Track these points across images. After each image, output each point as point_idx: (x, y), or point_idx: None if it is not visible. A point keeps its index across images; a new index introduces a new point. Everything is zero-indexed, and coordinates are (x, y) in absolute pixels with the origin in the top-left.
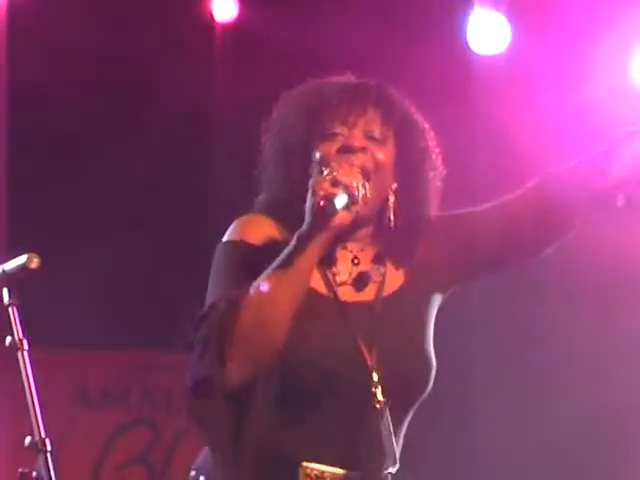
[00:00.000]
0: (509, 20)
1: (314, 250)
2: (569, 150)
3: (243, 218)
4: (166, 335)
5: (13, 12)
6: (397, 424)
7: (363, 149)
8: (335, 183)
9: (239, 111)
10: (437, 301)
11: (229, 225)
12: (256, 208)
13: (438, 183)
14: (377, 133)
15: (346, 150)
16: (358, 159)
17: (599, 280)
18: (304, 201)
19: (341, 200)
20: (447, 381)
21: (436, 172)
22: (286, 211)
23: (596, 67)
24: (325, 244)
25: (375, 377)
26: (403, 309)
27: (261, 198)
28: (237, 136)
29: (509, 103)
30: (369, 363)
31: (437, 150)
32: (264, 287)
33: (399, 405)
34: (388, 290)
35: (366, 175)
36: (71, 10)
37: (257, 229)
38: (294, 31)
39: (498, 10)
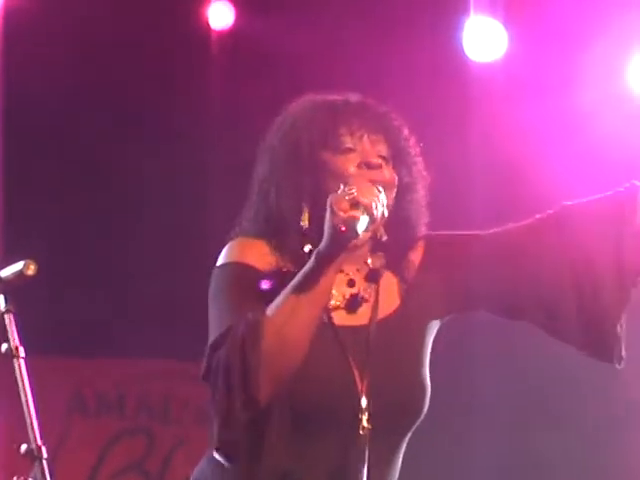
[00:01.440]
0: (505, 27)
1: (333, 270)
2: (566, 157)
3: (237, 240)
4: (163, 344)
5: (9, 9)
6: (391, 449)
7: (380, 166)
8: (355, 204)
9: (236, 117)
10: (434, 327)
11: (225, 237)
12: (246, 224)
13: (426, 200)
14: (384, 152)
15: (367, 166)
16: (376, 175)
17: None
18: (304, 215)
19: (362, 224)
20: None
21: (425, 191)
22: (283, 225)
23: (593, 74)
24: (342, 263)
25: (364, 403)
26: (398, 334)
27: (255, 211)
28: (234, 142)
29: (505, 109)
30: (359, 388)
31: (424, 169)
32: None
33: (392, 430)
34: (383, 313)
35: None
36: (67, 13)
37: (253, 251)
38: (290, 38)
39: (494, 17)
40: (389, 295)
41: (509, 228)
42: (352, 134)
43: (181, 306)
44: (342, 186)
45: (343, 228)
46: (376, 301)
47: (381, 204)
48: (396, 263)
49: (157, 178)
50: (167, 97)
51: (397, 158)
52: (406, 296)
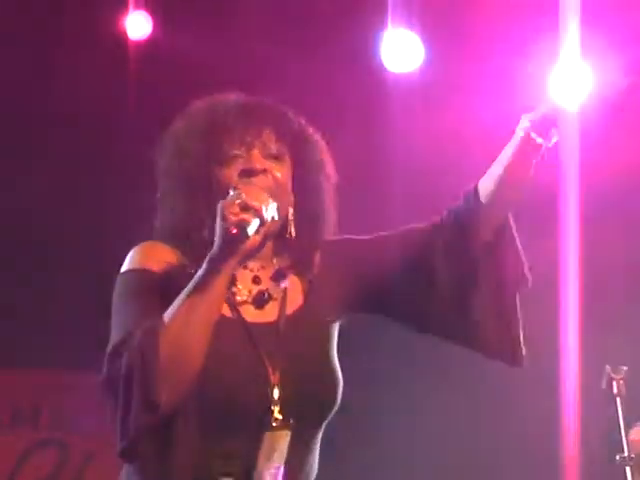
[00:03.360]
0: (421, 39)
1: (226, 273)
2: (483, 165)
3: (141, 245)
4: (77, 355)
5: None
6: (306, 442)
7: (264, 171)
8: (245, 207)
9: (151, 128)
10: (336, 325)
11: (128, 250)
12: (156, 233)
13: (333, 194)
14: (274, 150)
15: (247, 173)
16: (260, 181)
17: None
18: (206, 228)
19: (253, 226)
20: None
21: (331, 183)
22: (187, 238)
23: (510, 83)
24: (235, 266)
25: (276, 395)
26: (305, 328)
27: (161, 223)
28: (148, 154)
29: (422, 117)
30: (272, 381)
31: (331, 162)
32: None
33: (306, 423)
34: (290, 309)
35: (272, 196)
36: None
37: (156, 256)
38: (207, 48)
39: (411, 29)
40: (293, 293)
41: (408, 230)
42: (233, 141)
43: (96, 318)
44: (231, 191)
45: (234, 230)
46: (284, 299)
47: (269, 206)
48: (301, 263)
49: (62, 187)
50: (83, 107)
51: (293, 151)
52: (309, 293)
